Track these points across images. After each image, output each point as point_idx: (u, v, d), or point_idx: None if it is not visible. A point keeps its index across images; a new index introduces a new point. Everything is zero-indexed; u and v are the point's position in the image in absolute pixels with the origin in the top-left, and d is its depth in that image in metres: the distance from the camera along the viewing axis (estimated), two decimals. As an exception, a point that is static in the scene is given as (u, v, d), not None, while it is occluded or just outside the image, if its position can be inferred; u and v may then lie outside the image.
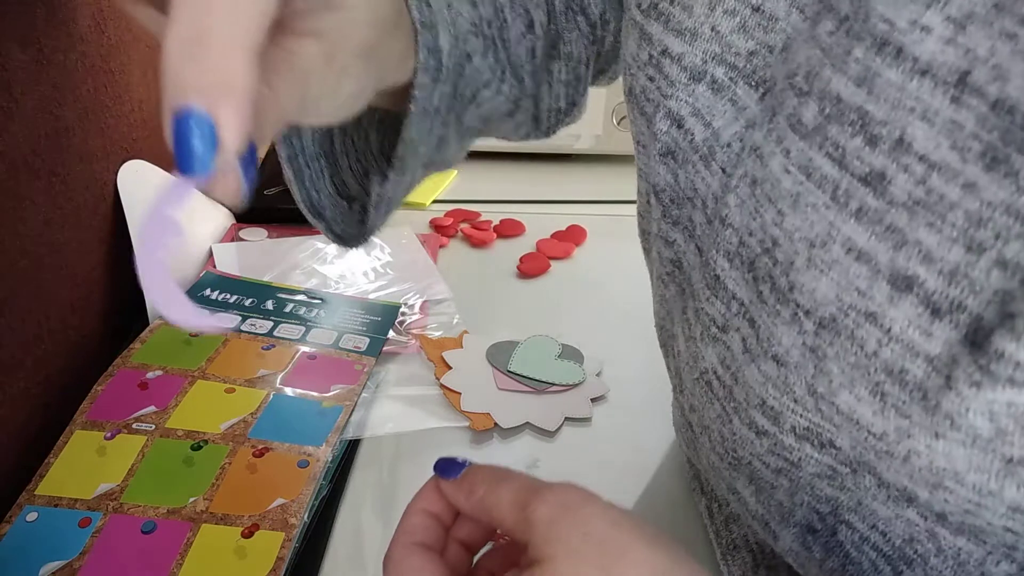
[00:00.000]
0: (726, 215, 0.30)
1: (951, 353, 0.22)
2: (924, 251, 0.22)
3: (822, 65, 0.25)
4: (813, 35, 0.26)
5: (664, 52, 0.33)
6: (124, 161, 0.68)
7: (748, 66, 0.30)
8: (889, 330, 0.23)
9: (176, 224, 0.24)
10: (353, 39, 0.27)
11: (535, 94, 0.44)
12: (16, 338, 0.52)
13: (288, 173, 0.37)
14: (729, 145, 0.31)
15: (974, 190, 0.21)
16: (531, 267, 0.76)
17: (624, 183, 0.90)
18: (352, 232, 0.40)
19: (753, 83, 0.30)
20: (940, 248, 0.22)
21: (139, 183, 0.68)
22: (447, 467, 0.31)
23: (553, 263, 0.78)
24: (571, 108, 0.47)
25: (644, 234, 0.43)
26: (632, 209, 0.92)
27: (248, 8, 0.20)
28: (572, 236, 0.82)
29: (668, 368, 0.44)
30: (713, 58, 0.31)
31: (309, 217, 0.39)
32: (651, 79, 0.34)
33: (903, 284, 0.23)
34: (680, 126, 0.33)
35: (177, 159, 0.21)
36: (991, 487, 0.22)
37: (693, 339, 0.35)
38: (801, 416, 0.29)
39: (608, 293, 0.74)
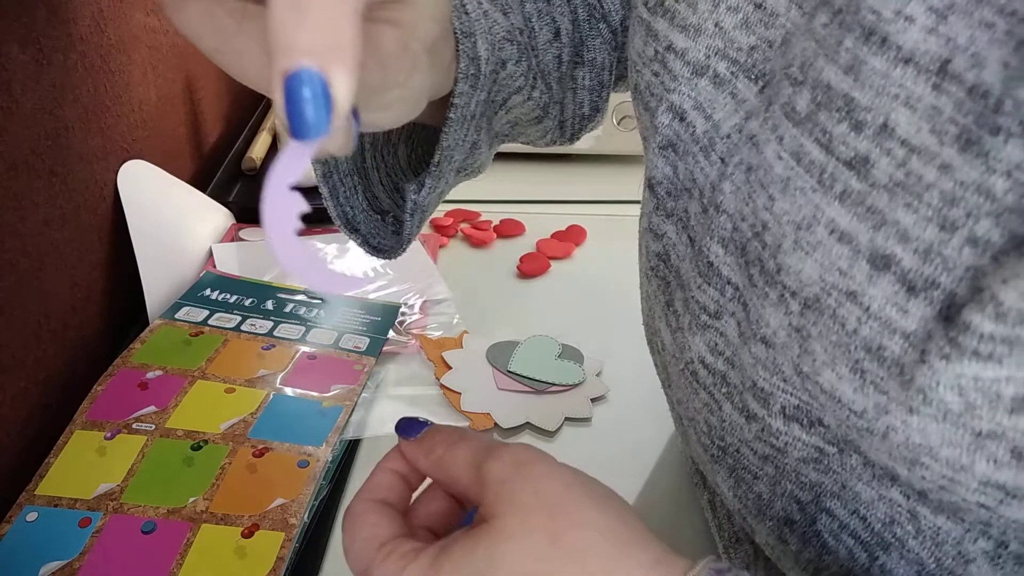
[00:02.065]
0: (721, 202, 0.31)
1: (926, 329, 0.23)
2: (901, 231, 0.23)
3: (816, 56, 0.26)
4: (809, 28, 0.27)
5: (669, 48, 0.34)
6: (124, 161, 0.68)
7: (749, 60, 0.31)
8: (868, 308, 0.24)
9: (298, 194, 0.25)
10: (422, 31, 0.27)
11: (561, 100, 0.45)
12: (16, 338, 0.52)
13: (324, 191, 0.38)
14: (728, 136, 0.31)
15: (949, 171, 0.22)
16: (531, 267, 0.76)
17: (624, 183, 0.90)
18: (388, 244, 0.41)
19: (753, 76, 0.31)
20: (916, 227, 0.23)
21: (139, 183, 0.68)
22: (408, 427, 0.32)
23: (553, 263, 0.78)
24: (594, 114, 0.48)
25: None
26: (632, 209, 0.92)
27: None
28: (572, 236, 0.82)
29: (656, 365, 0.45)
30: (716, 53, 0.32)
31: (346, 232, 0.39)
32: (656, 74, 0.35)
33: (881, 263, 0.24)
34: (682, 119, 0.34)
35: (291, 123, 0.22)
36: (963, 461, 0.23)
37: (680, 330, 0.36)
38: (791, 395, 0.30)
39: (608, 293, 0.74)
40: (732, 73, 0.31)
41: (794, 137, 0.26)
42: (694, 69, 0.33)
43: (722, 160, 0.32)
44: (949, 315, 0.22)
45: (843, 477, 0.30)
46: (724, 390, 0.34)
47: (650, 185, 0.38)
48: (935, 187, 0.22)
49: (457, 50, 0.34)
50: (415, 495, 0.32)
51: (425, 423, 0.31)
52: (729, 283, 0.32)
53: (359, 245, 0.40)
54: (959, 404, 0.22)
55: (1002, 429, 0.22)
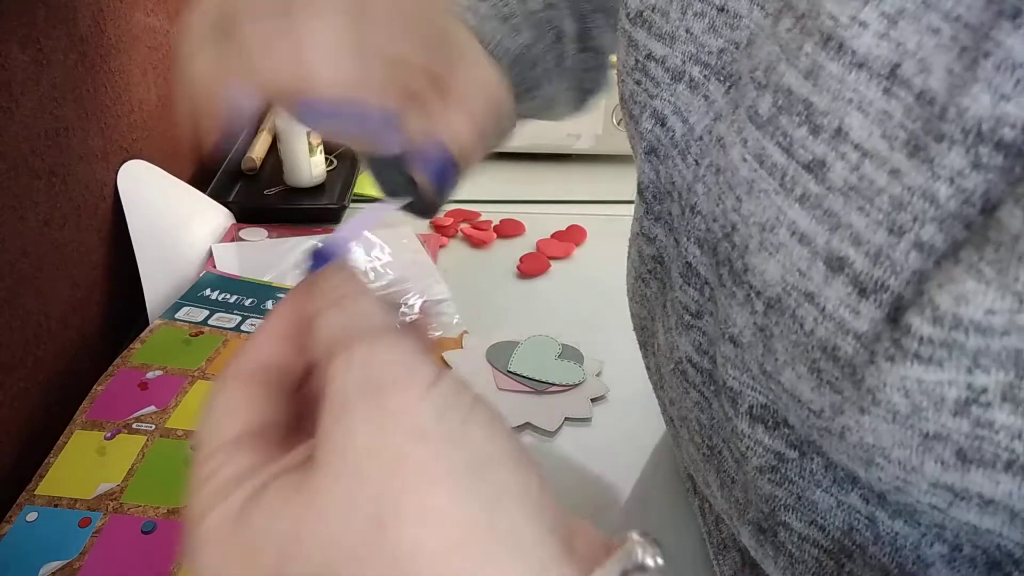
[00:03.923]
0: (695, 203, 0.32)
1: (875, 330, 0.23)
2: (854, 233, 0.24)
3: (779, 60, 0.26)
4: (774, 32, 0.27)
5: (649, 56, 0.35)
6: (124, 161, 0.68)
7: (718, 63, 0.32)
8: (824, 308, 0.25)
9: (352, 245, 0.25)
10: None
11: (563, 86, 0.45)
12: (16, 338, 0.52)
13: (370, 171, 0.42)
14: (701, 138, 0.32)
15: (898, 176, 0.22)
16: (531, 267, 0.76)
17: (624, 183, 0.90)
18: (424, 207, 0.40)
19: (722, 78, 0.31)
20: (867, 231, 0.23)
21: (139, 183, 0.68)
22: (320, 254, 0.24)
23: (553, 263, 0.78)
24: (597, 88, 0.49)
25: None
26: (631, 209, 0.92)
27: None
28: (572, 236, 0.82)
29: (648, 368, 0.46)
30: (690, 58, 0.33)
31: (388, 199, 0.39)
32: (638, 83, 0.36)
33: (836, 265, 0.24)
34: (663, 124, 0.35)
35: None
36: (913, 463, 0.23)
37: (670, 331, 0.37)
38: (759, 393, 0.30)
39: (608, 293, 0.74)
40: (705, 76, 0.32)
41: (757, 140, 0.27)
42: (673, 75, 0.34)
43: (696, 162, 0.32)
44: (895, 317, 0.23)
45: (799, 487, 0.30)
46: (712, 388, 0.34)
47: (639, 190, 0.39)
48: (885, 191, 0.23)
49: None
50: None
51: (339, 245, 0.24)
52: (707, 283, 0.33)
53: (401, 209, 0.39)
54: (906, 406, 0.22)
55: (947, 431, 0.22)
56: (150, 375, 0.57)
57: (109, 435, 0.52)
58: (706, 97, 0.32)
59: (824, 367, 0.25)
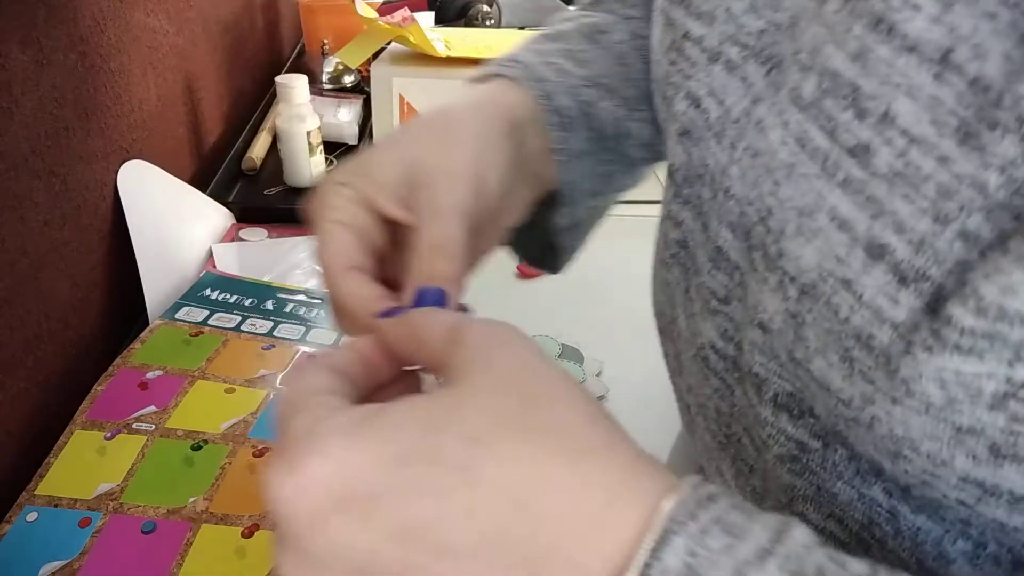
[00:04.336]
0: (729, 187, 0.32)
1: (913, 320, 0.23)
2: (897, 221, 0.23)
3: (825, 42, 0.26)
4: (820, 13, 0.27)
5: (686, 35, 0.35)
6: (124, 161, 0.68)
7: (758, 44, 0.31)
8: (861, 296, 0.24)
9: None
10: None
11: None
12: (16, 338, 0.52)
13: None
14: (737, 121, 0.32)
15: (946, 163, 0.22)
16: (531, 268, 0.76)
17: (624, 183, 0.90)
18: (550, 262, 0.50)
19: (762, 60, 0.31)
20: (911, 218, 0.23)
21: (139, 183, 0.68)
22: (390, 311, 0.29)
23: (553, 263, 0.78)
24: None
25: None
26: (632, 209, 0.92)
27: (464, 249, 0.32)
28: (572, 236, 0.82)
29: (666, 354, 0.45)
30: (728, 38, 0.32)
31: (516, 253, 0.49)
32: (673, 63, 0.36)
33: (876, 252, 0.24)
34: (698, 106, 0.34)
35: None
36: (943, 456, 0.23)
37: (693, 316, 0.37)
38: (785, 381, 0.30)
39: (608, 293, 0.74)
40: (743, 58, 0.32)
41: (799, 123, 0.27)
42: (709, 56, 0.33)
43: (731, 145, 0.32)
44: (935, 307, 0.22)
45: (820, 478, 0.30)
46: (736, 375, 0.34)
47: (669, 172, 0.38)
48: (932, 179, 0.22)
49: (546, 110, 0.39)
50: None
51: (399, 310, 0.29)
52: (737, 268, 0.32)
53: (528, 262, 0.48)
54: (940, 397, 0.22)
55: (981, 425, 0.22)
56: (150, 375, 0.57)
57: (109, 435, 0.52)
58: (744, 79, 0.32)
59: (857, 356, 0.25)
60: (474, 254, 0.37)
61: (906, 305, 0.23)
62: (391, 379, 0.28)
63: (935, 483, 0.24)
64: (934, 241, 0.22)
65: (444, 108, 0.36)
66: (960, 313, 0.21)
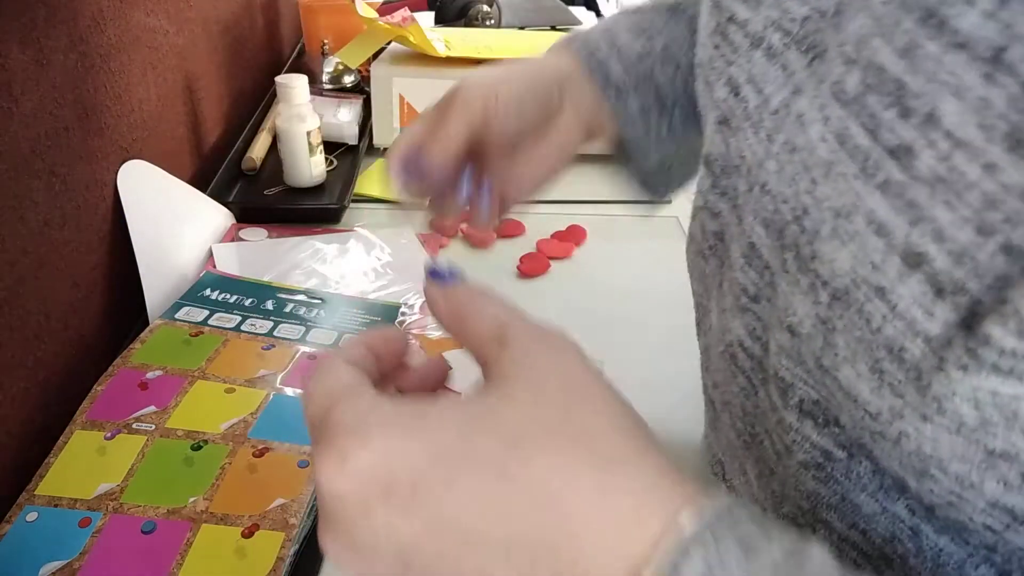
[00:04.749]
0: (765, 181, 0.31)
1: (947, 335, 0.22)
2: (937, 229, 0.22)
3: (872, 35, 0.25)
4: (868, 4, 0.26)
5: (731, 18, 0.34)
6: (124, 161, 0.68)
7: (801, 31, 0.30)
8: (895, 306, 0.23)
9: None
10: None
11: None
12: (16, 338, 0.52)
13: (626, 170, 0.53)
14: (776, 112, 0.31)
15: (994, 171, 0.21)
16: (531, 267, 0.76)
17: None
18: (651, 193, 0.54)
19: (803, 48, 0.30)
20: (952, 227, 0.22)
21: (139, 183, 0.68)
22: (437, 272, 0.31)
23: (553, 263, 0.78)
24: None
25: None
26: (632, 209, 0.92)
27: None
28: (572, 236, 0.82)
29: (700, 348, 0.45)
30: (772, 24, 0.32)
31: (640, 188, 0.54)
32: (716, 47, 0.35)
33: (914, 261, 0.23)
34: (737, 94, 0.34)
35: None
36: (972, 479, 0.22)
37: (724, 311, 0.36)
38: (811, 388, 0.29)
39: (608, 293, 0.74)
40: (784, 44, 0.31)
41: (840, 119, 0.26)
42: (752, 41, 0.33)
43: (768, 138, 0.31)
44: (971, 324, 0.21)
45: (844, 488, 0.29)
46: (761, 376, 0.33)
47: (707, 162, 0.37)
48: (977, 187, 0.21)
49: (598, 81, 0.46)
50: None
51: (456, 275, 0.30)
52: (768, 267, 0.31)
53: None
54: (974, 418, 0.21)
55: (1016, 450, 0.21)
56: (150, 375, 0.57)
57: (109, 435, 0.52)
58: (784, 67, 0.31)
59: (887, 368, 0.24)
60: (533, 165, 0.49)
61: (941, 319, 0.22)
62: (393, 369, 0.30)
63: (962, 505, 0.23)
64: (975, 253, 0.21)
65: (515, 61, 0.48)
66: (999, 333, 0.20)
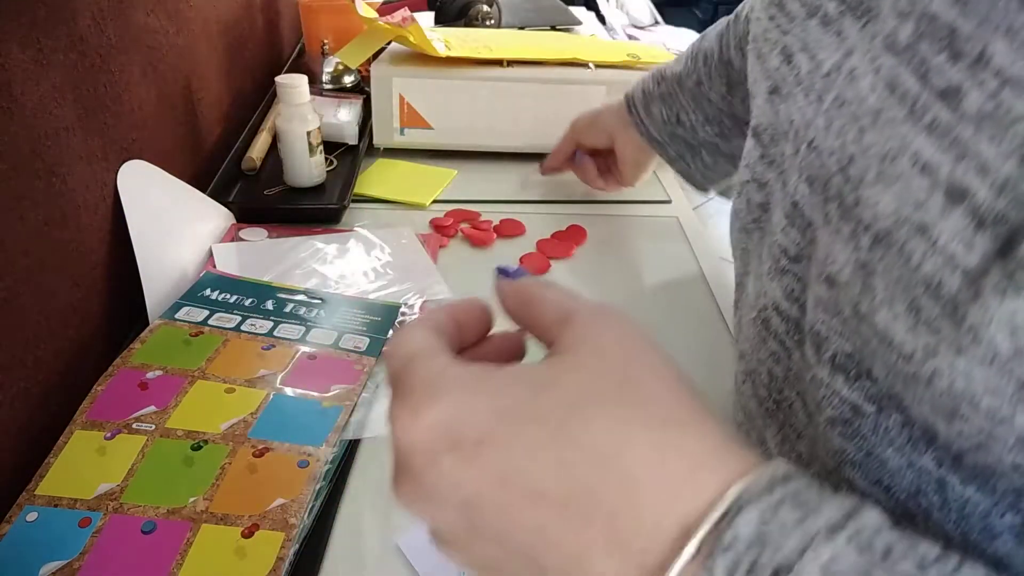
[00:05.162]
0: (813, 138, 0.32)
1: (985, 265, 0.23)
2: (981, 163, 0.23)
3: None
4: None
5: None
6: (124, 161, 0.68)
7: None
8: (935, 242, 0.25)
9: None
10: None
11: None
12: (16, 338, 0.52)
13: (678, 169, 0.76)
14: (828, 74, 0.33)
15: None
16: (531, 267, 0.76)
17: (624, 183, 0.90)
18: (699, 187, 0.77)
19: (858, 14, 0.32)
20: (997, 160, 0.23)
21: (139, 183, 0.68)
22: (505, 269, 0.33)
23: (553, 263, 0.78)
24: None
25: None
26: (632, 209, 0.92)
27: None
28: (572, 236, 0.82)
29: (734, 324, 0.47)
30: None
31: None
32: (772, 18, 0.37)
33: (957, 195, 0.24)
34: (789, 62, 0.36)
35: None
36: (1004, 412, 0.23)
37: (760, 277, 0.37)
38: (845, 340, 0.30)
39: (608, 293, 0.74)
40: (840, 12, 0.32)
41: (891, 67, 0.27)
42: (808, 10, 0.34)
43: (819, 98, 0.33)
44: (1008, 251, 0.22)
45: (871, 443, 0.30)
46: (796, 337, 0.35)
47: (756, 134, 0.39)
48: (1022, 120, 0.22)
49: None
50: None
51: (521, 271, 0.32)
52: (810, 224, 0.33)
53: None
54: (1008, 347, 0.22)
55: None
56: (150, 375, 0.57)
57: (109, 435, 0.52)
58: (838, 33, 0.32)
59: (924, 304, 0.25)
60: (635, 169, 0.81)
61: (980, 250, 0.23)
62: (473, 340, 0.32)
63: (991, 445, 0.24)
64: (1018, 183, 0.22)
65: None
66: None
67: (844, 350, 0.30)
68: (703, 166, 0.74)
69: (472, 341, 0.31)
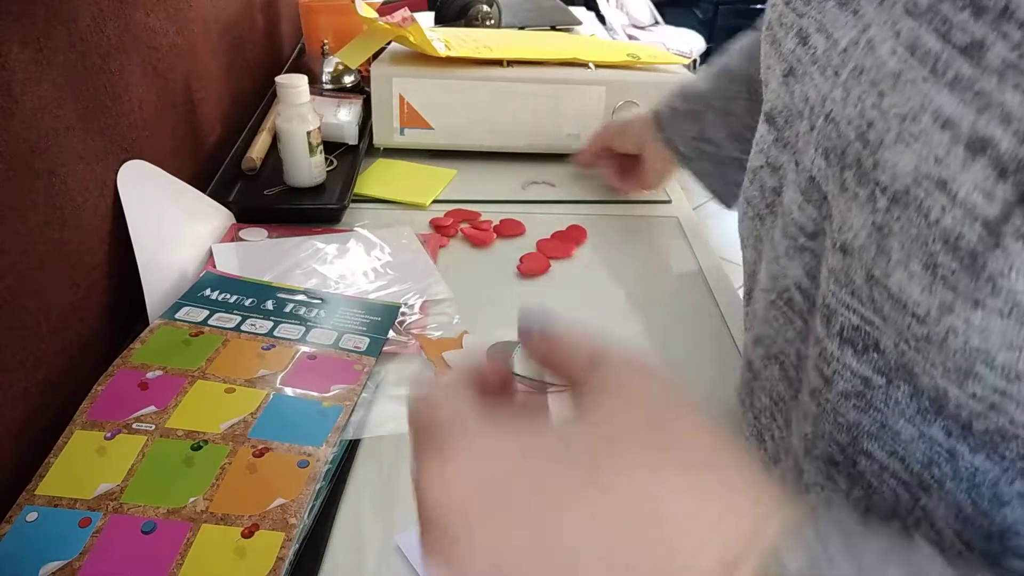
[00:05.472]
0: (830, 110, 0.33)
1: (1006, 212, 0.23)
2: (1005, 112, 0.24)
3: None
4: None
5: None
6: (124, 161, 0.68)
7: None
8: (955, 195, 0.25)
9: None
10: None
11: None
12: (16, 338, 0.52)
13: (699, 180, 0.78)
14: (845, 50, 0.33)
15: None
16: (531, 267, 0.76)
17: (624, 183, 0.90)
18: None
19: None
20: (1020, 108, 0.23)
21: (139, 183, 0.68)
22: (532, 313, 0.33)
23: (553, 263, 0.78)
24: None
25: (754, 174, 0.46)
26: (632, 209, 0.92)
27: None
28: (572, 236, 0.82)
29: (745, 315, 0.47)
30: None
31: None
32: (788, 3, 0.38)
33: (979, 146, 0.24)
34: (805, 43, 0.36)
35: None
36: (1019, 368, 0.23)
37: (776, 260, 0.37)
38: (853, 312, 0.30)
39: (608, 293, 0.74)
40: None
41: (912, 29, 0.27)
42: None
43: (835, 73, 0.33)
44: None
45: (883, 415, 0.30)
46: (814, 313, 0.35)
47: (770, 118, 0.40)
48: None
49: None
50: None
51: (548, 312, 0.33)
52: (826, 199, 0.33)
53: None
54: None
55: None
56: (150, 375, 0.57)
57: (109, 435, 0.52)
58: (855, 12, 0.33)
59: (942, 260, 0.25)
60: (659, 177, 0.86)
61: (1000, 199, 0.23)
62: (495, 396, 0.32)
63: (1003, 405, 0.24)
64: None
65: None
66: None
67: (851, 323, 0.31)
68: (731, 182, 0.76)
69: (492, 395, 0.31)
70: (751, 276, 0.45)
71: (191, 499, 0.48)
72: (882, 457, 0.31)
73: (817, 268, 0.34)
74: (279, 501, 0.48)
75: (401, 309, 0.68)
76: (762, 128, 0.41)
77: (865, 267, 0.29)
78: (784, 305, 0.37)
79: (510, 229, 0.83)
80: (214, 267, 0.71)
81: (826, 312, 0.32)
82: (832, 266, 0.31)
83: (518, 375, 0.62)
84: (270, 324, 0.64)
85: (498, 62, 0.94)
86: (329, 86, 1.07)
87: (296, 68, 1.12)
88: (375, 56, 0.95)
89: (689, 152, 0.77)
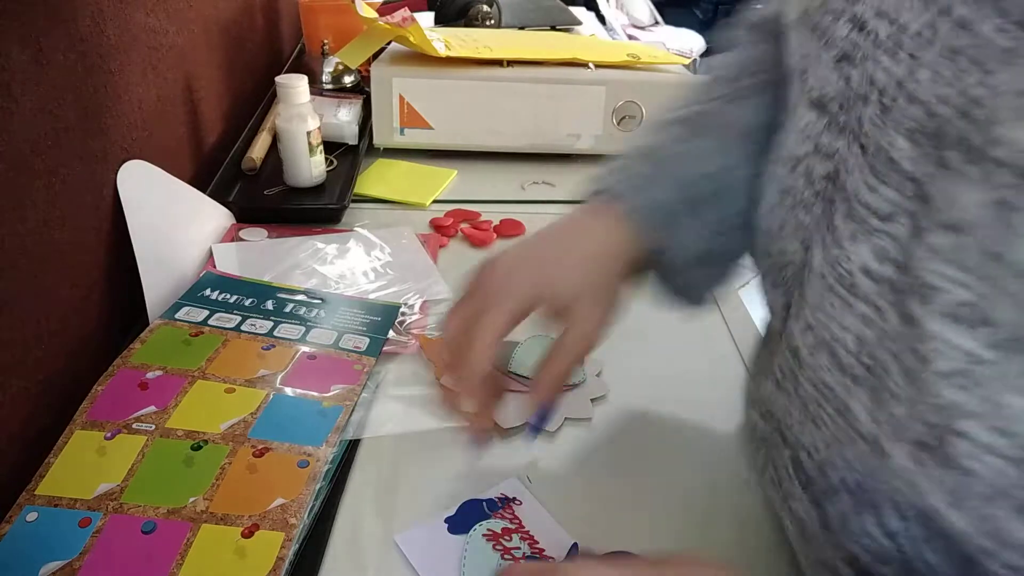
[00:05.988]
0: (913, 90, 0.33)
1: None
2: None
3: None
4: None
5: None
6: (124, 161, 0.68)
7: None
8: None
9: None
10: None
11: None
12: (16, 338, 0.52)
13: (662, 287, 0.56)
14: (919, 33, 0.33)
15: None
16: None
17: (624, 183, 0.90)
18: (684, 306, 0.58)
19: None
20: None
21: (139, 183, 0.68)
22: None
23: (553, 263, 0.78)
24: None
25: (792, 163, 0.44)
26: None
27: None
28: (572, 236, 0.82)
29: (773, 310, 0.46)
30: None
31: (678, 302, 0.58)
32: None
33: None
34: (862, 29, 0.36)
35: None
36: None
37: (838, 243, 0.37)
38: (964, 288, 0.30)
39: (608, 293, 0.74)
40: None
41: (1022, 5, 0.27)
42: None
43: (912, 56, 0.33)
44: None
45: (990, 390, 0.30)
46: (891, 296, 0.34)
47: (820, 105, 0.39)
48: None
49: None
50: None
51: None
52: (910, 179, 0.33)
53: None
54: None
55: None
56: (150, 375, 0.57)
57: (109, 435, 0.52)
58: None
59: None
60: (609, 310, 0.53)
61: None
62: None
63: None
64: None
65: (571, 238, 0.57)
66: None
67: (961, 299, 0.30)
68: (707, 233, 0.57)
69: None
70: (785, 266, 0.44)
71: (191, 499, 0.48)
72: (983, 435, 0.30)
73: (892, 250, 0.34)
74: (279, 501, 0.48)
75: (401, 309, 0.68)
76: (808, 116, 0.40)
77: (982, 244, 0.29)
78: (846, 290, 0.37)
79: (510, 229, 0.83)
80: (214, 267, 0.71)
81: (924, 292, 0.32)
82: (935, 245, 0.31)
83: (516, 374, 0.62)
84: (270, 324, 0.64)
85: (498, 62, 0.94)
86: (329, 86, 1.07)
87: (296, 68, 1.12)
88: (375, 56, 0.95)
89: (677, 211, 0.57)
